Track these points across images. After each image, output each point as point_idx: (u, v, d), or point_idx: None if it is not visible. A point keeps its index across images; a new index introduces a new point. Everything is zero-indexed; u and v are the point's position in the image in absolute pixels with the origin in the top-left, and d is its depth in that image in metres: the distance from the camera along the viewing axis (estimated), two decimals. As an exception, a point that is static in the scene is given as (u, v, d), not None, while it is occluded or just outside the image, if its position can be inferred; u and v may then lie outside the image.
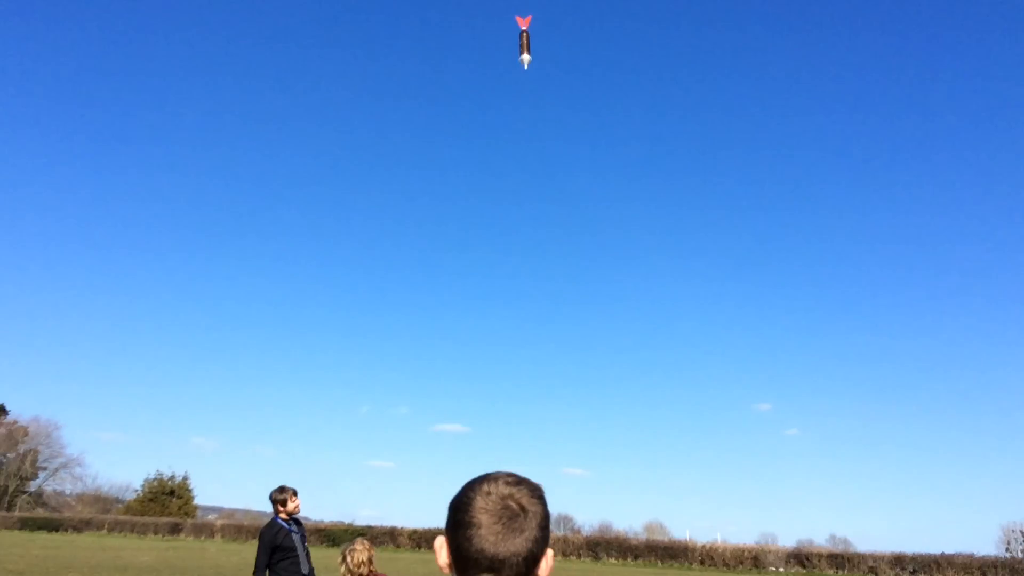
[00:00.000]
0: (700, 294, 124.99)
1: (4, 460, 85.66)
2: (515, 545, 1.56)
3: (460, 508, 1.61)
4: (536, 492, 1.63)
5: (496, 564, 1.55)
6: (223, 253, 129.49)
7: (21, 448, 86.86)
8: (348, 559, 7.31)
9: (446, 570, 1.64)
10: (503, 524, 1.56)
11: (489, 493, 1.60)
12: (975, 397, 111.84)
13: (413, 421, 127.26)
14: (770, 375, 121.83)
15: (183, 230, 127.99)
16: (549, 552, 1.63)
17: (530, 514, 1.59)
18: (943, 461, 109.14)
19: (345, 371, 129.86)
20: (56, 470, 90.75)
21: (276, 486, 9.21)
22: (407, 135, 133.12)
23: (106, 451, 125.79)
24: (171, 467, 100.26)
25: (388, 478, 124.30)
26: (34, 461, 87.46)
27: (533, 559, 1.59)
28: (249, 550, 47.95)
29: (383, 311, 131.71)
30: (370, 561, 7.35)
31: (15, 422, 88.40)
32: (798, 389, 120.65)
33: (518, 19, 10.12)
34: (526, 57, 9.82)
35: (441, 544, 1.65)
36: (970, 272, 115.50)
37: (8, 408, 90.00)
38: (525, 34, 9.96)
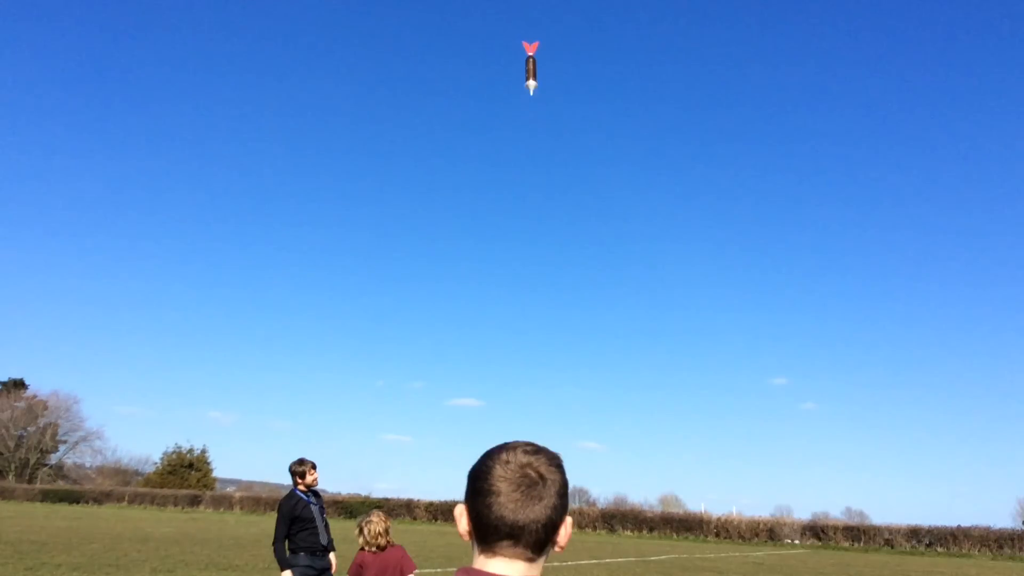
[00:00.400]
0: (716, 269, 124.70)
1: (25, 434, 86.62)
2: (534, 512, 1.58)
3: (479, 476, 1.63)
4: (554, 460, 1.65)
5: (516, 531, 1.58)
6: (239, 230, 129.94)
7: (41, 422, 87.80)
8: (365, 531, 7.40)
9: (466, 537, 1.68)
10: (522, 492, 1.59)
11: (508, 462, 1.62)
12: (992, 371, 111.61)
13: (428, 395, 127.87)
14: (786, 350, 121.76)
15: (200, 206, 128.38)
16: (568, 519, 1.66)
17: (549, 482, 1.61)
18: (960, 434, 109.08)
19: (361, 346, 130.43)
20: (76, 443, 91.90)
21: (295, 458, 9.29)
22: (432, 123, 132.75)
23: (125, 425, 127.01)
24: (189, 440, 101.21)
25: (404, 451, 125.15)
26: (54, 435, 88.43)
27: (552, 526, 1.61)
28: (267, 521, 48.46)
29: (399, 286, 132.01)
30: (386, 532, 7.43)
31: (34, 396, 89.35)
32: (815, 364, 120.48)
33: (525, 44, 9.94)
34: (532, 83, 9.64)
35: (461, 512, 1.67)
36: (988, 246, 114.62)
37: (27, 383, 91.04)
38: (532, 60, 9.79)
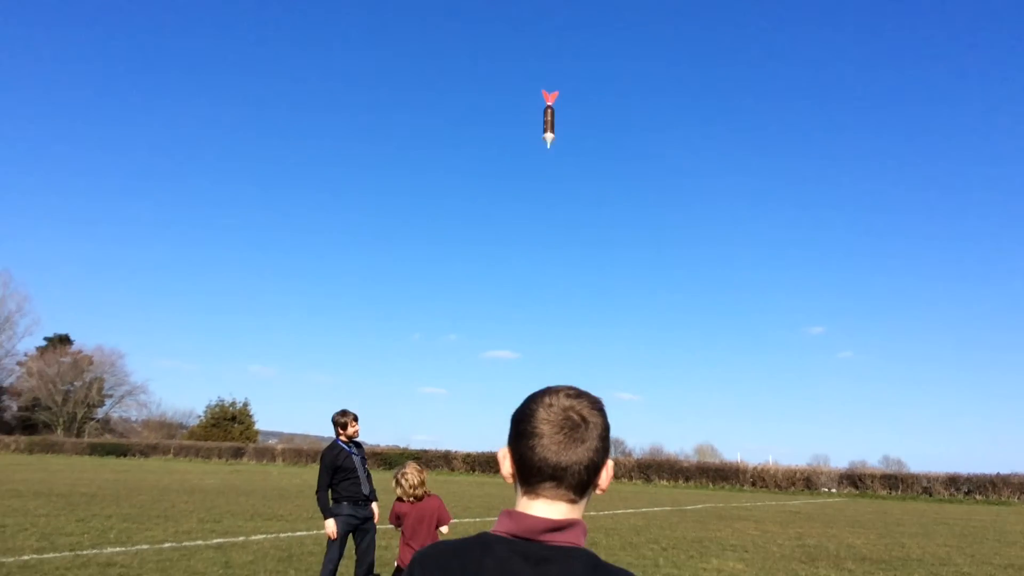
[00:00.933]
0: (752, 217, 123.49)
1: (71, 388, 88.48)
2: (576, 454, 1.62)
3: (523, 419, 1.67)
4: (596, 404, 1.69)
5: (558, 472, 1.62)
6: (277, 184, 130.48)
7: (87, 377, 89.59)
8: (402, 482, 7.58)
9: (509, 480, 1.72)
10: (565, 434, 1.62)
11: (551, 405, 1.66)
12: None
13: (463, 348, 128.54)
14: (824, 298, 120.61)
15: (238, 161, 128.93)
16: (609, 462, 1.69)
17: (591, 425, 1.65)
18: (999, 382, 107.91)
19: (397, 299, 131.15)
20: (121, 397, 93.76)
21: (338, 409, 9.49)
22: (469, 87, 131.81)
23: (168, 379, 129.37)
24: (231, 394, 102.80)
25: (440, 404, 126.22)
26: (100, 389, 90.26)
27: (594, 468, 1.65)
28: (309, 473, 49.34)
29: (433, 239, 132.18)
30: (422, 483, 7.61)
31: (80, 351, 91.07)
32: (852, 312, 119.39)
33: (544, 93, 9.62)
34: (549, 136, 9.32)
35: (504, 455, 1.72)
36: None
37: (72, 338, 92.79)
38: (550, 110, 9.43)
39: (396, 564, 7.64)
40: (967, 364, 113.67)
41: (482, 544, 1.63)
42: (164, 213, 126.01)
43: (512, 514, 1.66)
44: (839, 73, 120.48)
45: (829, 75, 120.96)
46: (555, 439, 1.63)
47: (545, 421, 1.65)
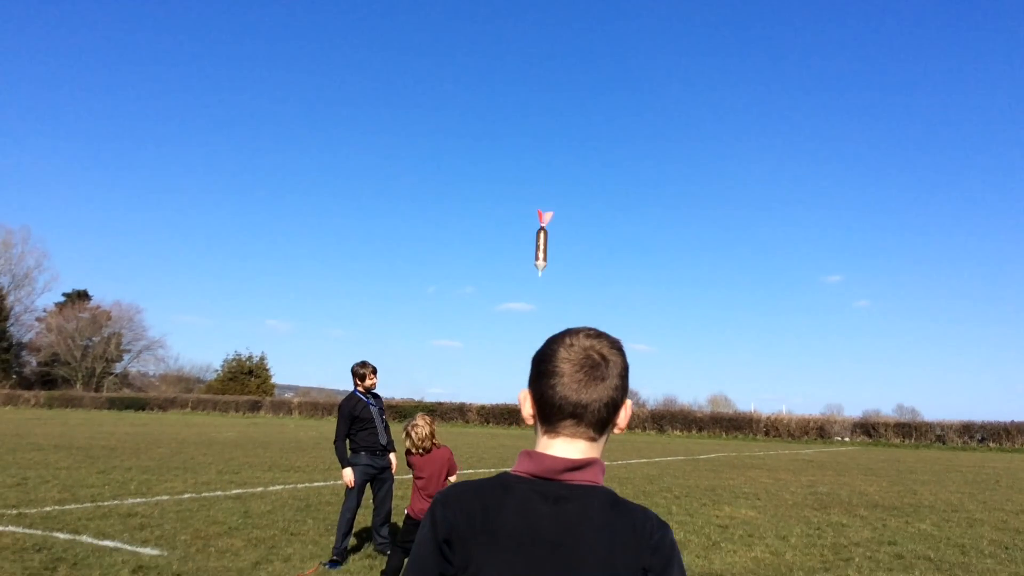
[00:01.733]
0: (769, 164, 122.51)
1: (90, 343, 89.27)
2: (597, 392, 1.65)
3: (544, 359, 1.70)
4: (616, 344, 1.71)
5: (579, 410, 1.64)
6: (292, 137, 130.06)
7: (105, 332, 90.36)
8: (412, 434, 7.66)
9: (529, 421, 1.74)
10: (585, 372, 1.65)
11: (572, 344, 1.68)
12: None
13: (479, 300, 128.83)
14: (841, 247, 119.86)
15: (252, 113, 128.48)
16: (628, 402, 1.72)
17: (611, 363, 1.68)
18: (1015, 330, 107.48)
19: (412, 252, 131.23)
20: (139, 352, 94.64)
21: (358, 360, 9.57)
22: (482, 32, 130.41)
23: (185, 334, 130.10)
24: (248, 348, 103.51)
25: (455, 357, 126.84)
26: (118, 344, 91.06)
27: (614, 406, 1.68)
28: (325, 426, 49.81)
29: (448, 190, 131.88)
30: (432, 435, 7.70)
31: (98, 307, 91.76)
32: (870, 260, 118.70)
33: (539, 213, 9.31)
34: (541, 264, 8.96)
35: (525, 396, 1.74)
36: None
37: (91, 294, 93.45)
38: (543, 233, 9.01)
39: (406, 513, 7.76)
40: (983, 312, 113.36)
41: (502, 484, 1.66)
42: (180, 169, 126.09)
43: (532, 454, 1.68)
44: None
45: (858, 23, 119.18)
46: (576, 377, 1.65)
47: (566, 360, 1.67)
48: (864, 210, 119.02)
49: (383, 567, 8.73)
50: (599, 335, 1.72)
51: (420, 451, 7.64)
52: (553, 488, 1.64)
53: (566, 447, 1.67)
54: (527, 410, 1.74)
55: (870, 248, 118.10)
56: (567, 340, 1.70)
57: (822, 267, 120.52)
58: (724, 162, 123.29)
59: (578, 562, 1.58)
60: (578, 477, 1.65)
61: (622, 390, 1.69)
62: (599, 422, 1.67)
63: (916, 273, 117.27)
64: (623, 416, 1.72)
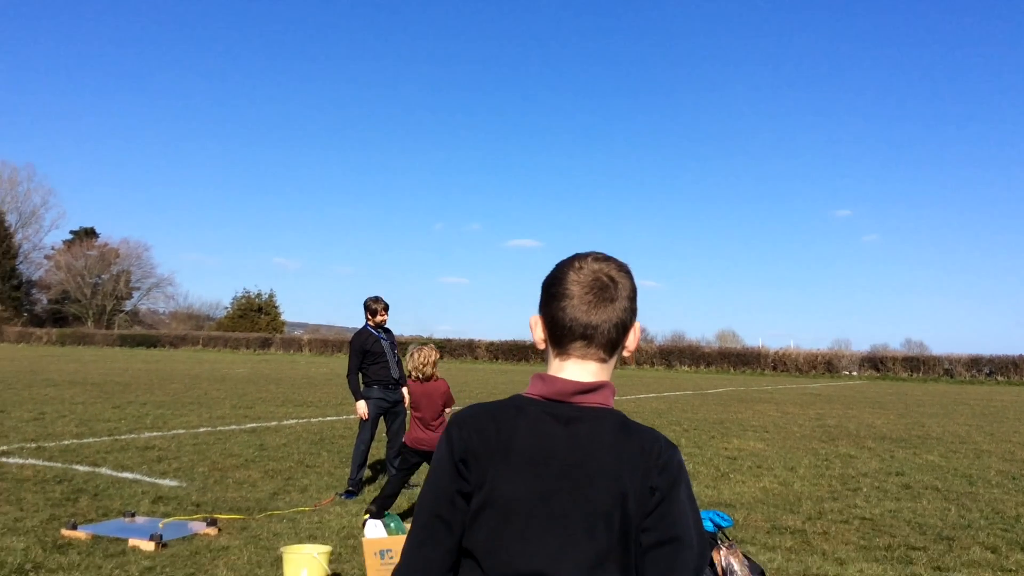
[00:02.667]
0: (778, 95, 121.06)
1: (99, 281, 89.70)
2: (606, 313, 1.68)
3: (554, 283, 1.73)
4: (624, 267, 1.75)
5: (589, 331, 1.68)
6: (299, 73, 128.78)
7: (114, 269, 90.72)
8: (416, 355, 7.71)
9: (541, 345, 1.77)
10: (594, 294, 1.68)
11: (580, 268, 1.72)
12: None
13: (486, 237, 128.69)
14: (851, 180, 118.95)
15: (255, 51, 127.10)
16: (637, 324, 1.75)
17: (619, 285, 1.71)
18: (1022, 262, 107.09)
19: (418, 188, 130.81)
20: (149, 290, 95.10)
21: (372, 295, 9.62)
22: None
23: (193, 271, 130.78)
24: (256, 286, 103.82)
25: (463, 293, 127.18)
26: (127, 281, 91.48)
27: (623, 327, 1.71)
28: (336, 362, 50.22)
29: (454, 127, 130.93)
30: (431, 364, 7.74)
31: (106, 244, 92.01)
32: (880, 194, 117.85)
33: None
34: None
35: (536, 321, 1.77)
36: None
37: (98, 231, 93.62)
38: None
39: (403, 442, 7.90)
40: (992, 245, 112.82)
41: (515, 406, 1.69)
42: (186, 104, 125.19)
43: (544, 377, 1.72)
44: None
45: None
46: (585, 299, 1.68)
47: (575, 283, 1.70)
48: (874, 143, 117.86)
49: (406, 507, 8.89)
50: (607, 258, 1.75)
51: (419, 376, 7.68)
52: (565, 410, 1.68)
53: (577, 369, 1.71)
54: (538, 334, 1.77)
55: (880, 182, 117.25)
56: (576, 264, 1.73)
57: (831, 201, 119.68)
58: (732, 94, 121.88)
59: (588, 479, 1.63)
60: (589, 399, 1.69)
61: (631, 312, 1.73)
62: (609, 343, 1.70)
63: (926, 207, 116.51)
64: (632, 338, 1.75)
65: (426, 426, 7.66)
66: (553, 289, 1.73)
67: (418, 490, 8.87)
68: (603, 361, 1.72)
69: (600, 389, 1.70)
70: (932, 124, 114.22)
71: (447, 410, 7.78)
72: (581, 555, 1.61)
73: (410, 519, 7.22)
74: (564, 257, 1.77)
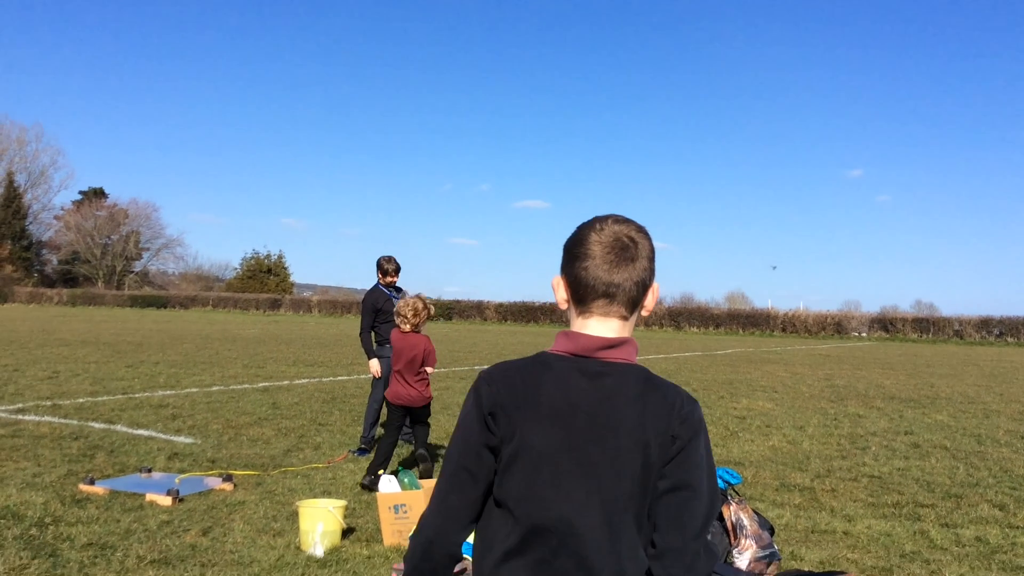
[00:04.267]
0: (789, 54, 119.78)
1: (109, 242, 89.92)
2: (628, 272, 1.75)
3: (576, 244, 1.79)
4: (643, 229, 1.82)
5: (612, 289, 1.75)
6: (306, 32, 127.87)
7: (123, 230, 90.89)
8: (409, 302, 7.61)
9: (563, 305, 1.85)
10: (616, 254, 1.75)
11: (602, 229, 1.78)
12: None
13: (495, 198, 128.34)
14: (863, 140, 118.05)
15: (262, 11, 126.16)
16: (656, 284, 1.83)
17: (640, 246, 1.78)
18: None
19: (427, 149, 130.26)
20: (158, 250, 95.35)
21: (385, 255, 9.59)
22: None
23: (202, 232, 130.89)
24: (265, 246, 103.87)
25: (471, 255, 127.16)
26: (137, 242, 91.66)
27: (643, 286, 1.78)
28: (345, 323, 50.43)
29: (463, 87, 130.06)
30: (415, 315, 7.56)
31: (115, 204, 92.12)
32: (892, 154, 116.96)
33: None
34: None
35: (558, 282, 1.84)
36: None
37: (107, 191, 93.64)
38: None
39: (384, 396, 7.85)
40: (1004, 207, 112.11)
41: (542, 362, 1.77)
42: (193, 64, 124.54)
43: (569, 334, 1.79)
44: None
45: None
46: (607, 259, 1.75)
47: (597, 243, 1.76)
48: (888, 101, 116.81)
49: (406, 455, 8.98)
50: (627, 220, 1.82)
51: (405, 324, 7.55)
52: (591, 364, 1.75)
53: (600, 326, 1.77)
54: (561, 295, 1.84)
55: (893, 141, 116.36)
56: (597, 225, 1.79)
57: (843, 160, 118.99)
58: (743, 52, 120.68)
59: (613, 430, 1.71)
60: (614, 355, 1.76)
61: (650, 271, 1.80)
62: (630, 301, 1.77)
63: (938, 167, 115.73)
64: (651, 298, 1.82)
65: (404, 380, 7.59)
66: (575, 250, 1.79)
67: (410, 448, 8.99)
68: (624, 319, 1.79)
69: (623, 345, 1.77)
70: (947, 83, 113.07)
71: (428, 368, 7.68)
72: (606, 502, 1.69)
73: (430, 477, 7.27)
74: (580, 219, 1.85)
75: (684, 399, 1.77)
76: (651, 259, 1.80)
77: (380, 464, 7.49)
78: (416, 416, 7.86)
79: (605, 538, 1.68)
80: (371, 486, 7.21)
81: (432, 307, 7.94)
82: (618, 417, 1.71)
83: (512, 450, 1.71)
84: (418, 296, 7.84)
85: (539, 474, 1.70)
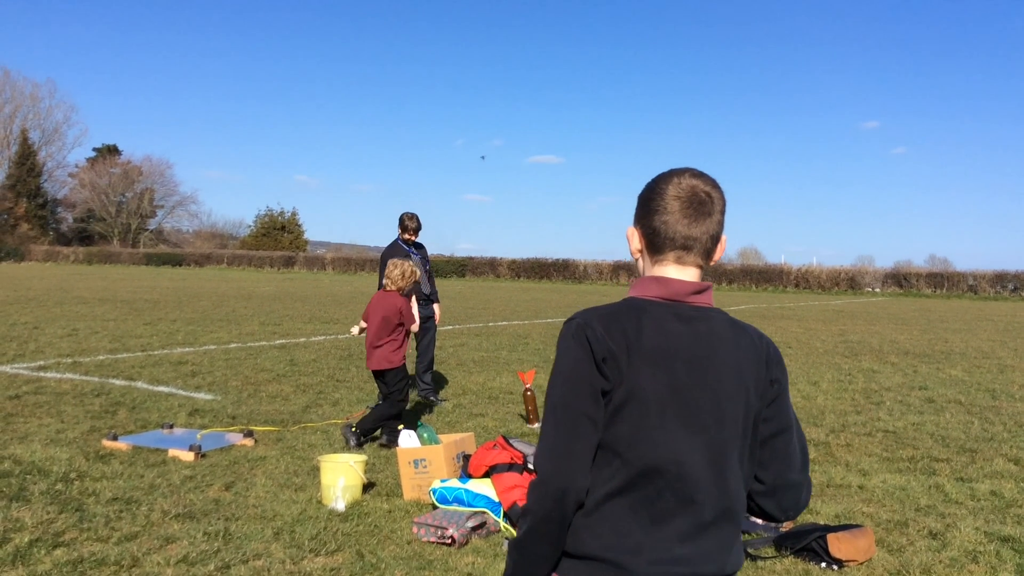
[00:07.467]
0: (806, 2, 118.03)
1: (123, 199, 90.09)
2: (705, 226, 1.84)
3: (654, 197, 1.87)
4: (717, 184, 1.89)
5: (689, 242, 1.84)
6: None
7: (138, 187, 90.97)
8: (394, 267, 7.59)
9: (636, 255, 1.95)
10: (694, 208, 1.83)
11: (679, 183, 1.85)
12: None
13: (508, 153, 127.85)
14: (879, 91, 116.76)
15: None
16: (724, 236, 1.92)
17: (715, 199, 1.86)
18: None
19: (440, 105, 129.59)
20: (173, 208, 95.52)
21: (408, 212, 9.58)
22: None
23: (215, 189, 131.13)
24: (279, 203, 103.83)
25: (485, 211, 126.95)
26: (151, 200, 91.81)
27: (717, 239, 1.88)
28: (359, 280, 50.57)
29: (473, 42, 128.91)
30: (400, 279, 7.52)
31: (129, 162, 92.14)
32: (909, 106, 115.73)
33: (520, 374, 8.69)
34: (536, 425, 8.33)
35: (632, 233, 1.93)
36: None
37: (120, 148, 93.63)
38: (530, 394, 8.30)
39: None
40: (1020, 160, 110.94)
41: (636, 307, 1.83)
42: (206, 20, 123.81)
43: (659, 280, 1.85)
44: None
45: None
46: (686, 212, 1.83)
47: (675, 198, 1.84)
48: (905, 51, 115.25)
49: (427, 412, 9.07)
50: (701, 174, 1.89)
51: (390, 284, 7.51)
52: (684, 309, 1.84)
53: (678, 272, 1.87)
54: (635, 245, 1.93)
55: (910, 92, 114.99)
56: (674, 179, 1.86)
57: (859, 112, 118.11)
58: (759, 1, 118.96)
59: (714, 373, 1.81)
60: (701, 300, 1.86)
61: (722, 225, 1.89)
62: (706, 252, 1.87)
63: (955, 120, 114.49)
64: (719, 250, 1.91)
65: (374, 339, 7.46)
66: (653, 203, 1.86)
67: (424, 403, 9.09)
68: (701, 267, 1.89)
69: (707, 291, 1.87)
70: (967, 34, 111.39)
71: (412, 328, 7.63)
72: (710, 443, 1.79)
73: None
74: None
75: (767, 341, 1.90)
76: (723, 212, 1.88)
77: (368, 428, 7.43)
78: (386, 384, 7.59)
79: (710, 478, 1.78)
80: (352, 440, 7.24)
81: (416, 281, 7.81)
82: (717, 360, 1.81)
83: (623, 395, 1.76)
84: (408, 263, 7.72)
85: (648, 417, 1.76)
